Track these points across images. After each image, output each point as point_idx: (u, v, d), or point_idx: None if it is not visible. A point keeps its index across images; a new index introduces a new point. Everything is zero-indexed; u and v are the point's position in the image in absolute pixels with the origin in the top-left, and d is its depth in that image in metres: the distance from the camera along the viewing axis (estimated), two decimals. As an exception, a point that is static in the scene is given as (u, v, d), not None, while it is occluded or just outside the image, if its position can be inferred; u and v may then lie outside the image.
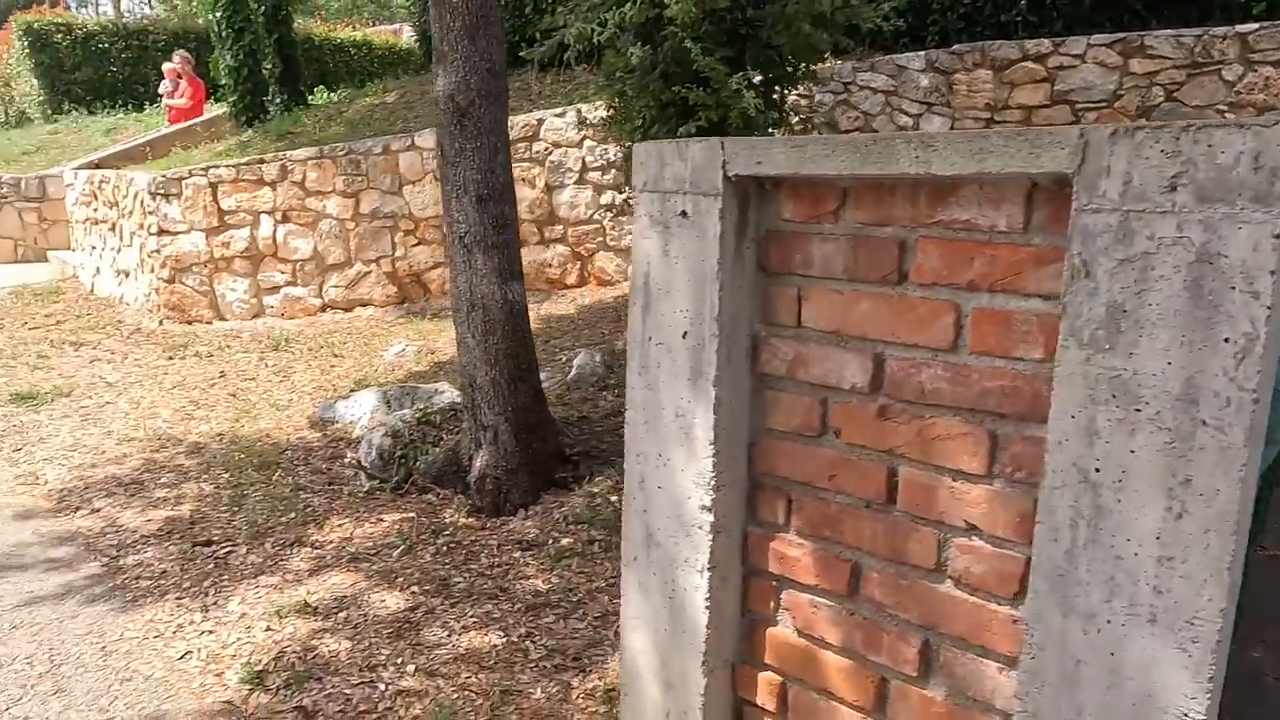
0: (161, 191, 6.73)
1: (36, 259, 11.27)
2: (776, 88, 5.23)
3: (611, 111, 5.40)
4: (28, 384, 5.25)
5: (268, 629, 2.54)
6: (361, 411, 4.38)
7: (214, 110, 12.70)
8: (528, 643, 2.48)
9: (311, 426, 4.43)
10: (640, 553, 1.66)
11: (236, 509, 3.41)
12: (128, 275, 7.75)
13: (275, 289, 6.84)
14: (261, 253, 6.79)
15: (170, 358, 5.95)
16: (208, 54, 14.72)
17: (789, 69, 5.21)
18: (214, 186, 6.72)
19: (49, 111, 14.10)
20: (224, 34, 8.91)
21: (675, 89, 4.76)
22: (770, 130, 5.22)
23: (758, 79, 4.81)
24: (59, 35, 13.50)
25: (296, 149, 7.08)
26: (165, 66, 11.73)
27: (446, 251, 3.62)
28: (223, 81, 9.24)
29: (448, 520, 3.29)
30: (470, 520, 3.29)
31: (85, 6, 28.62)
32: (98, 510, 3.42)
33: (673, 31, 4.71)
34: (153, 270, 6.97)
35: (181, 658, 2.42)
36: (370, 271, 6.88)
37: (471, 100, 3.16)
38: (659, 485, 1.60)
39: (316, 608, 2.65)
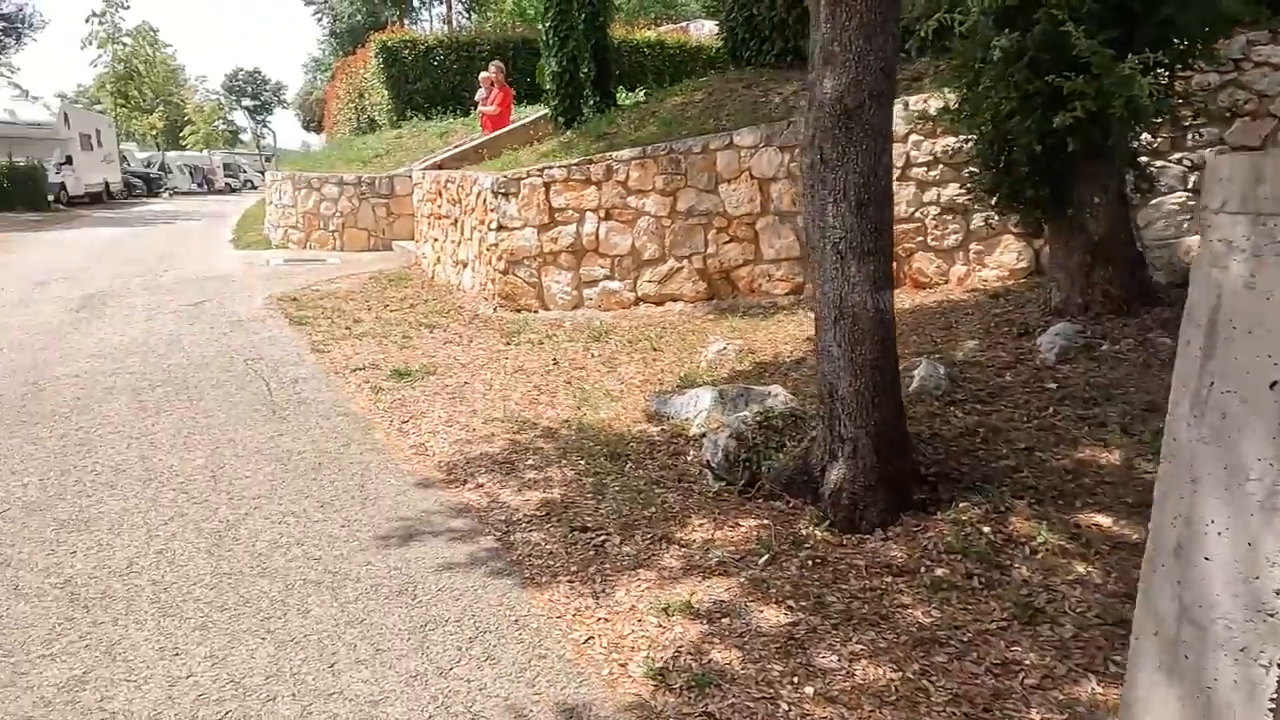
0: (502, 191, 7.38)
1: (383, 248, 12.98)
2: (1161, 71, 4.57)
3: (958, 104, 5.04)
4: (401, 361, 6.00)
5: (659, 626, 2.62)
6: (697, 409, 4.47)
7: (532, 113, 13.82)
8: (925, 681, 2.33)
9: (648, 420, 4.60)
10: (1165, 628, 1.44)
11: (600, 497, 3.60)
12: (465, 265, 8.63)
13: (594, 282, 7.26)
14: (584, 248, 7.23)
15: (507, 343, 6.50)
16: (522, 61, 16.12)
17: (1182, 47, 4.53)
18: (547, 186, 7.26)
19: (394, 118, 16.21)
20: (551, 42, 9.60)
21: (1047, 78, 4.32)
22: (1155, 119, 4.57)
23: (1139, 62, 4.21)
24: (406, 51, 15.47)
25: (616, 149, 7.45)
26: (481, 76, 12.95)
27: (810, 256, 3.54)
28: (546, 86, 9.96)
29: (804, 532, 3.22)
30: (827, 535, 3.20)
31: (415, 23, 32.71)
32: (481, 486, 3.78)
33: (1047, 14, 4.27)
34: (489, 262, 7.69)
35: (585, 642, 2.56)
36: (682, 268, 7.07)
37: (861, 101, 3.03)
38: (1207, 556, 1.36)
39: (699, 611, 2.69)
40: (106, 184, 28.07)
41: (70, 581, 2.88)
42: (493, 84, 12.64)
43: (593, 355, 6.01)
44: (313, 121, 56.63)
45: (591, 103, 10.04)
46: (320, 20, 45.35)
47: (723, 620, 2.64)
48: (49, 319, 7.67)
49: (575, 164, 7.23)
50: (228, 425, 4.63)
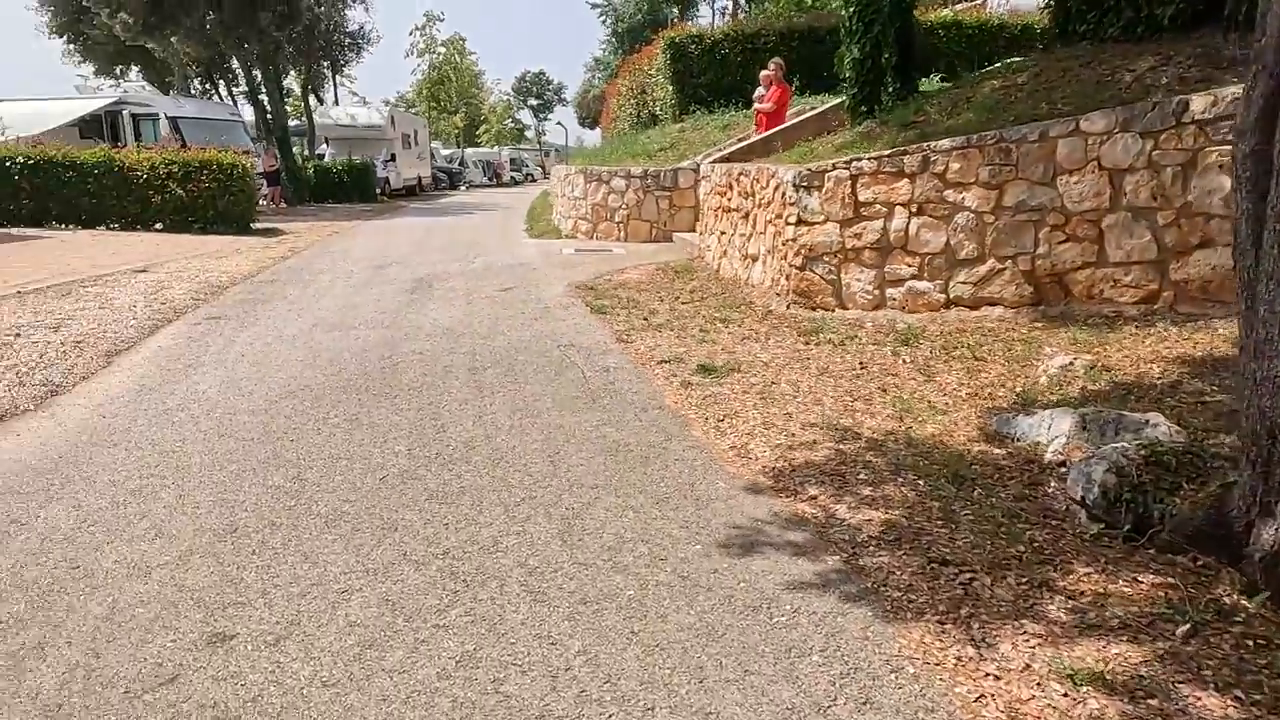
0: (804, 184, 7.13)
1: (663, 239, 13.29)
2: None
3: None
4: (703, 356, 5.99)
5: (1066, 695, 2.25)
6: (1053, 433, 3.93)
7: (812, 104, 13.44)
8: None
9: (986, 439, 4.14)
10: None
11: (952, 525, 3.25)
12: (755, 260, 8.51)
13: (899, 281, 6.79)
14: (891, 245, 6.79)
15: (806, 342, 6.26)
16: (805, 50, 15.73)
17: None
18: (854, 179, 6.90)
19: (676, 113, 16.56)
20: (854, 27, 9.16)
21: None
22: None
23: None
24: (692, 46, 15.72)
25: (927, 139, 6.90)
26: (762, 74, 12.72)
27: (1239, 263, 2.92)
28: (845, 74, 9.54)
29: (1226, 601, 2.65)
30: (1261, 609, 2.60)
31: (693, 20, 33.39)
32: (814, 498, 3.58)
33: None
34: (784, 258, 7.49)
35: (976, 700, 2.26)
36: (1004, 269, 6.38)
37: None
38: None
39: (1113, 684, 2.28)
40: (419, 178, 31.79)
41: (448, 554, 3.08)
42: (771, 81, 12.41)
43: (904, 361, 5.60)
44: (588, 118, 60.28)
45: (891, 90, 9.48)
46: (604, 22, 47.91)
47: (1148, 701, 2.21)
48: (390, 299, 8.66)
49: (886, 155, 6.79)
50: (554, 410, 4.84)
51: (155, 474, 3.89)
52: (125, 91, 26.00)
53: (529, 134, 69.93)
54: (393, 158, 28.71)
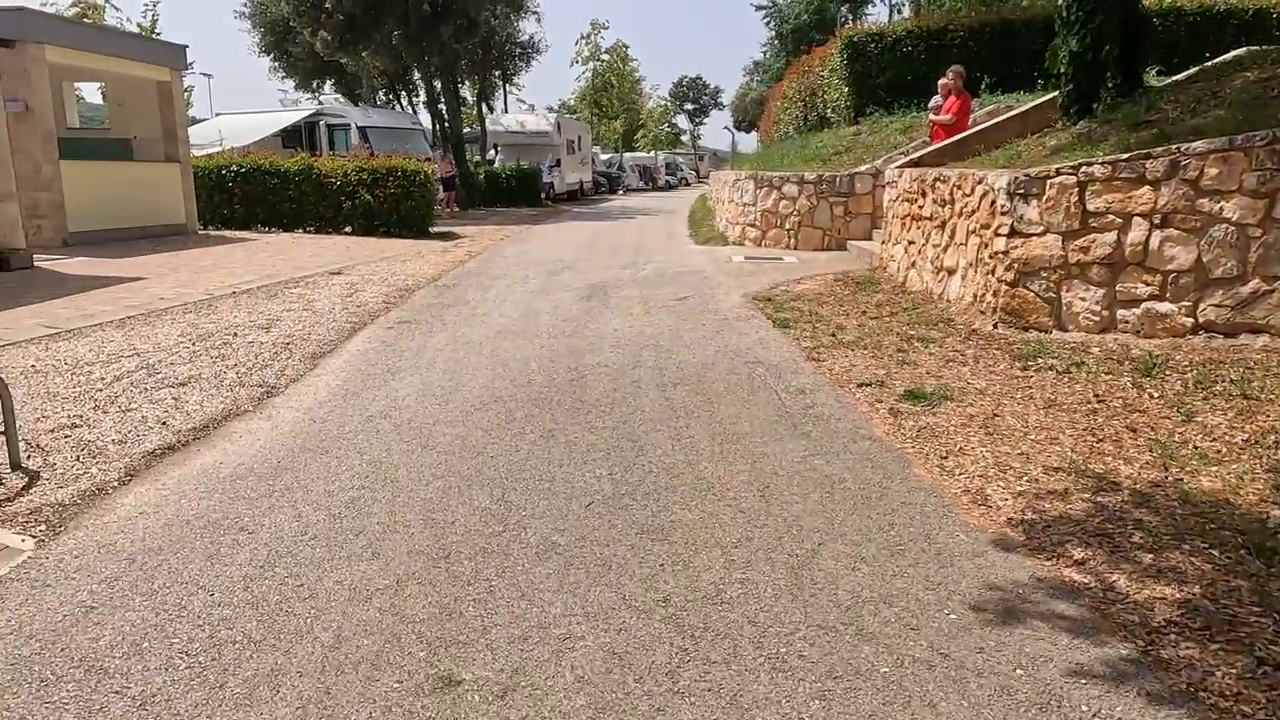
0: (1020, 191, 6.47)
1: (836, 247, 12.72)
2: None
3: None
4: (907, 380, 5.49)
5: None
6: (1386, 502, 3.21)
7: (1003, 104, 12.44)
8: None
9: (1287, 502, 3.45)
10: None
11: (1274, 614, 2.66)
12: (951, 273, 7.85)
13: (1134, 302, 6.00)
14: (1125, 260, 6.01)
15: (1023, 368, 5.63)
16: (997, 46, 14.63)
17: None
18: (1081, 186, 6.17)
19: (851, 114, 15.86)
20: (1072, 18, 8.29)
21: None
22: None
23: None
24: (872, 45, 14.99)
25: (1169, 140, 6.06)
26: (940, 83, 11.79)
27: None
28: (1059, 70, 8.67)
29: None
30: None
31: (862, 19, 32.24)
32: (1080, 562, 3.07)
33: None
34: (992, 272, 6.83)
35: None
36: (1273, 290, 5.48)
37: None
38: None
39: None
40: (581, 183, 32.51)
41: (669, 601, 2.84)
42: (949, 91, 11.48)
43: (1150, 395, 4.88)
44: (744, 121, 59.78)
45: (1111, 86, 8.52)
46: (767, 24, 47.28)
47: None
48: (567, 307, 8.66)
49: (1124, 159, 6.01)
50: (754, 436, 4.53)
51: (366, 485, 3.91)
52: (322, 104, 28.11)
53: (684, 138, 70.27)
54: (558, 163, 29.48)
